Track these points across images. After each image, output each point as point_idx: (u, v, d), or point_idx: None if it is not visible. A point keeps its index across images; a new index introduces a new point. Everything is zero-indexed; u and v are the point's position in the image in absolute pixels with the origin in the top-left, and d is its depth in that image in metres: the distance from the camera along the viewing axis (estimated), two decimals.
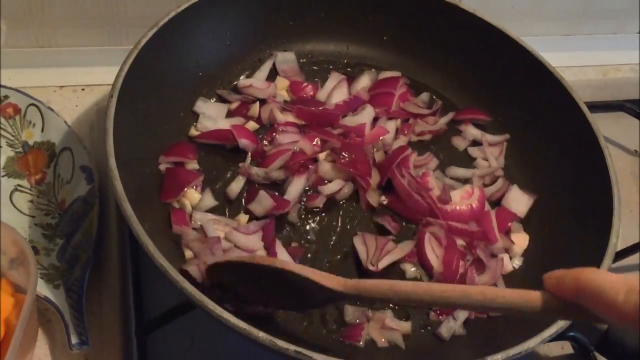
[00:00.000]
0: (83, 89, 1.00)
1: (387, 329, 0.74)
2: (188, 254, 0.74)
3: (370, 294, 0.60)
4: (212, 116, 0.87)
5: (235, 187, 0.82)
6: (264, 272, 0.64)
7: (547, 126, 0.91)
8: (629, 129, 1.14)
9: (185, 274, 0.64)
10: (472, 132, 0.95)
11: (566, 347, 0.85)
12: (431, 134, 0.93)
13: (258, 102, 0.90)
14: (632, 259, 0.92)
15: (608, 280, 0.46)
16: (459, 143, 0.95)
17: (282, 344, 0.59)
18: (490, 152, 0.93)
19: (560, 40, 1.24)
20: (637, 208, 1.05)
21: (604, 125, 1.07)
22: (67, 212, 0.83)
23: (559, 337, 0.70)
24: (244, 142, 0.84)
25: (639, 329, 0.44)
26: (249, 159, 0.83)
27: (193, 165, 0.82)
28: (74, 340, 0.72)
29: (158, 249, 0.63)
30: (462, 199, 0.86)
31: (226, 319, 0.60)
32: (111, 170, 0.67)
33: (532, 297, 0.52)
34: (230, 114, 0.89)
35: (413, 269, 0.80)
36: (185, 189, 0.78)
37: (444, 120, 0.95)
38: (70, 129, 0.87)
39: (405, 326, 0.75)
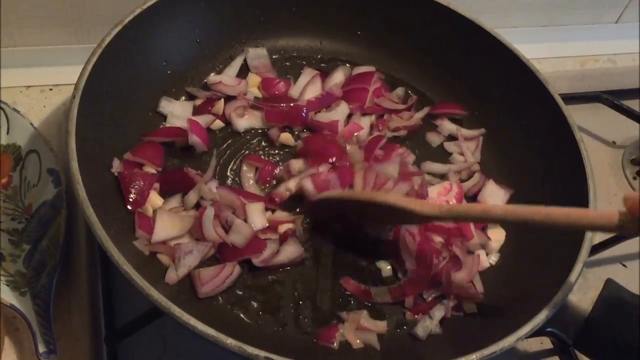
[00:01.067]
0: (51, 89, 0.98)
1: (362, 329, 0.73)
2: (164, 258, 0.73)
3: (463, 217, 0.74)
4: (180, 115, 0.85)
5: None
6: (362, 205, 0.75)
7: (523, 119, 0.90)
8: (607, 120, 1.13)
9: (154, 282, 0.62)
10: (448, 126, 0.94)
11: (545, 342, 0.84)
12: (406, 129, 0.92)
13: (222, 100, 0.88)
14: (610, 252, 0.91)
15: None
16: (434, 139, 0.94)
17: (251, 349, 0.58)
18: (466, 146, 0.92)
19: (537, 32, 1.23)
20: (616, 200, 1.04)
21: (582, 117, 1.08)
22: (34, 216, 0.81)
23: (538, 332, 0.69)
24: (194, 139, 0.81)
25: None
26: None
27: (149, 169, 0.80)
28: (41, 349, 0.70)
29: (124, 254, 0.62)
30: (440, 195, 0.85)
31: (193, 325, 0.58)
32: (73, 174, 0.65)
33: (612, 215, 0.60)
34: (195, 112, 0.87)
35: (388, 267, 0.79)
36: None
37: (419, 115, 0.94)
38: (37, 131, 0.85)
39: (381, 326, 0.74)
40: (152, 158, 0.79)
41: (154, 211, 0.75)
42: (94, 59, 0.74)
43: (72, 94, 0.71)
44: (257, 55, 0.94)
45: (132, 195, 0.74)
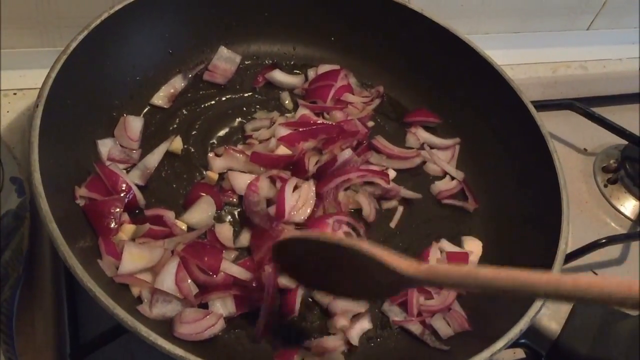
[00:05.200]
0: (15, 94, 0.94)
1: (326, 352, 0.71)
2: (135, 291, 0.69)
3: (446, 280, 0.55)
4: None
5: None
6: (328, 251, 0.60)
7: (497, 128, 0.90)
8: (579, 127, 1.14)
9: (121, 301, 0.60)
10: (422, 135, 0.93)
11: (518, 353, 0.84)
12: (362, 121, 0.90)
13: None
14: (581, 260, 0.92)
15: None
16: (413, 142, 0.93)
17: None
18: (441, 155, 0.91)
19: (510, 38, 1.23)
20: (587, 207, 1.05)
21: (554, 124, 1.08)
22: None
23: (511, 344, 0.69)
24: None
25: None
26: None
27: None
28: None
29: (88, 271, 0.59)
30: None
31: (161, 345, 0.57)
32: (36, 187, 0.62)
33: (634, 287, 0.45)
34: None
35: None
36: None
37: (370, 107, 0.94)
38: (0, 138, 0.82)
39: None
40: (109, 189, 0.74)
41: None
42: (59, 65, 0.71)
43: (35, 102, 0.68)
44: (225, 57, 0.92)
45: (102, 228, 0.71)
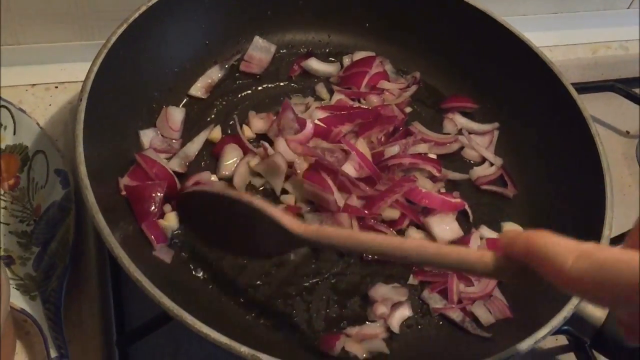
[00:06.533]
0: (56, 87, 0.96)
1: (366, 338, 0.71)
2: None
3: (329, 241, 0.60)
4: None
5: None
6: (229, 207, 0.65)
7: (536, 112, 0.89)
8: (621, 109, 1.11)
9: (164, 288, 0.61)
10: (460, 121, 0.92)
11: (561, 339, 0.83)
12: (398, 107, 0.89)
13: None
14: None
15: (559, 244, 0.43)
16: (450, 128, 0.92)
17: (265, 358, 0.57)
18: (480, 141, 0.90)
19: (548, 19, 1.20)
20: (630, 191, 1.03)
21: (595, 106, 1.06)
22: (42, 218, 0.80)
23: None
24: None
25: (582, 296, 0.44)
26: None
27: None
28: (53, 354, 0.69)
29: (134, 261, 0.61)
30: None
31: (206, 333, 0.57)
32: (82, 179, 0.64)
33: (486, 256, 0.50)
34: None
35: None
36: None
37: (407, 94, 0.93)
38: (43, 131, 0.84)
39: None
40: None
41: None
42: (100, 59, 0.72)
43: (79, 96, 0.70)
44: (260, 47, 0.92)
45: (142, 212, 0.72)
